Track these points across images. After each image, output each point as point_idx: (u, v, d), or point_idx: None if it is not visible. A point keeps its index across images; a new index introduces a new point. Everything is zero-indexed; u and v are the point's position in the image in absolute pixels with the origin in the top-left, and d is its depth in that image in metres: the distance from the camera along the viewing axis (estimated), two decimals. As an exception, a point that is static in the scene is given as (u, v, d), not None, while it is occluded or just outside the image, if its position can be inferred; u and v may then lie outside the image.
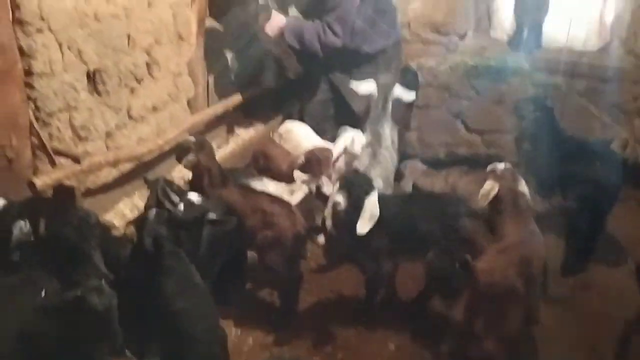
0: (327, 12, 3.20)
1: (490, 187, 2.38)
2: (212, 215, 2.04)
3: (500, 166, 2.46)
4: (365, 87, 3.19)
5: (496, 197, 2.37)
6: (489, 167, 2.50)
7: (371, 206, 2.30)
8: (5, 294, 1.78)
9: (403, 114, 3.42)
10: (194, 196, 2.09)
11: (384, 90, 3.23)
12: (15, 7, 2.04)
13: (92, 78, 2.48)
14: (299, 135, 3.10)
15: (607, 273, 3.01)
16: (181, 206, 2.05)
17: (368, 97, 3.23)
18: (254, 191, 2.54)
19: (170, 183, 2.43)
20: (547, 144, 3.07)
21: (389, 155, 3.26)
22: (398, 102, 3.17)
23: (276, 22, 3.22)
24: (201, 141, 2.58)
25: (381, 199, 2.41)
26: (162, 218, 2.01)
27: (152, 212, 2.05)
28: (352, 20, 3.23)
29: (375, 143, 3.19)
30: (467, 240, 2.32)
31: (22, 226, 1.92)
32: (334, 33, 3.20)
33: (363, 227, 2.28)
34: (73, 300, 1.69)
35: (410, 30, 4.23)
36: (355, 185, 2.35)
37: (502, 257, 2.15)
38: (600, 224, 2.91)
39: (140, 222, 2.08)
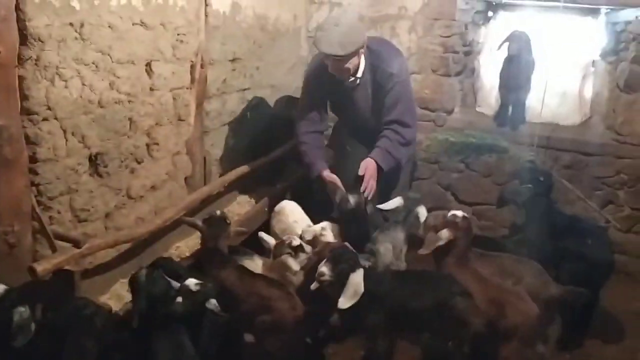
0: (389, 109, 3.16)
1: (446, 236, 2.51)
2: (211, 304, 2.04)
3: (459, 214, 2.57)
4: (394, 202, 3.06)
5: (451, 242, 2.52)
6: (449, 214, 2.60)
7: (355, 282, 2.32)
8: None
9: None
10: (192, 283, 2.09)
11: (411, 205, 3.06)
12: (23, 97, 2.13)
13: (94, 161, 2.54)
14: (290, 216, 3.18)
15: (604, 348, 3.02)
16: (179, 298, 2.05)
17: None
18: (251, 274, 2.56)
19: (169, 262, 2.46)
20: (540, 220, 3.16)
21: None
22: (416, 218, 2.99)
23: (370, 170, 3.09)
24: (212, 220, 2.62)
25: (374, 275, 2.45)
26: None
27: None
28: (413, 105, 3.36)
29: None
30: (459, 319, 2.33)
31: (22, 312, 1.93)
32: (407, 125, 3.18)
33: (344, 302, 2.29)
34: None
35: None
36: (342, 259, 2.38)
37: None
38: (594, 299, 2.94)
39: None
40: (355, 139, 3.45)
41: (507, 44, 4.05)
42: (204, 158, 3.39)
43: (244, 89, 3.81)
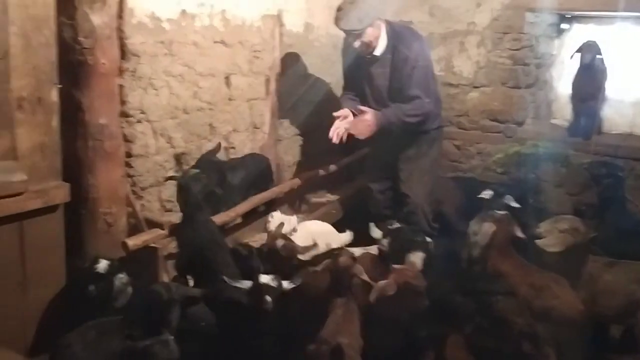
0: (405, 89, 3.22)
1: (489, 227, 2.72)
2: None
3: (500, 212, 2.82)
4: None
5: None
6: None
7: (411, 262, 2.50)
8: (99, 332, 2.15)
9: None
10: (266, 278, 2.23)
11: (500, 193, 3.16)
12: (122, 102, 2.58)
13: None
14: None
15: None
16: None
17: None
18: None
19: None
20: (615, 215, 3.15)
21: None
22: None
23: (364, 123, 3.18)
24: None
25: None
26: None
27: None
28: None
29: None
30: (500, 318, 2.39)
31: (121, 278, 2.33)
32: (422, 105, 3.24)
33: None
34: (142, 349, 2.04)
35: (469, 118, 4.53)
36: (401, 237, 2.62)
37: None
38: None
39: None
40: None
41: (579, 54, 4.06)
42: (277, 164, 3.73)
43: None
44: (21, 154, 2.20)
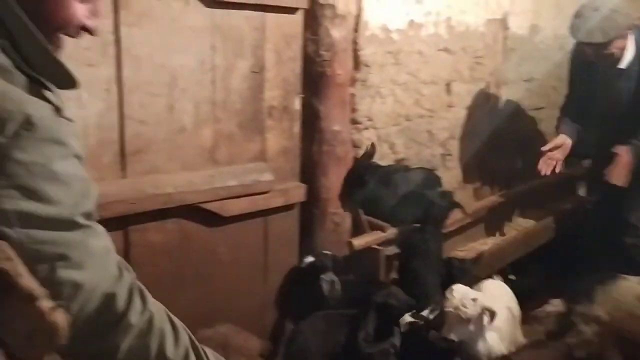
0: None
1: None
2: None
3: None
4: None
5: None
6: None
7: None
8: (327, 323, 2.32)
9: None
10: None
11: None
12: (353, 110, 2.73)
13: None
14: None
15: None
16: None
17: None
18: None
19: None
20: None
21: None
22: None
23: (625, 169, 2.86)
24: None
25: None
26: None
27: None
28: None
29: None
30: None
31: (328, 275, 2.51)
32: None
33: None
34: (364, 354, 2.17)
35: None
36: None
37: None
38: None
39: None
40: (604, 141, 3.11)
41: None
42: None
43: (538, 108, 3.90)
44: (269, 156, 2.48)
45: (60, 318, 0.60)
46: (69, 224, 0.90)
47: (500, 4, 3.30)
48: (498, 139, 3.49)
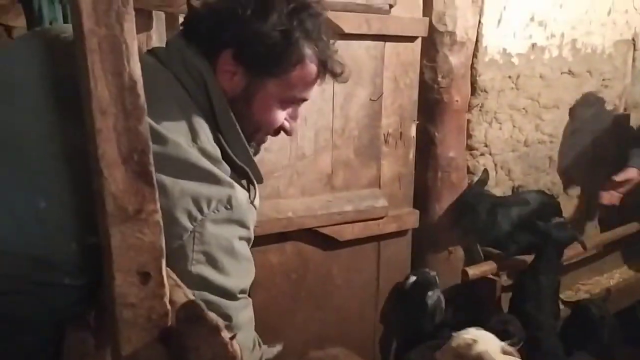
0: None
1: None
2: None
3: None
4: None
5: None
6: None
7: None
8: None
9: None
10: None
11: None
12: (469, 136, 2.69)
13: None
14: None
15: None
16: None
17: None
18: None
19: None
20: None
21: None
22: None
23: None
24: None
25: None
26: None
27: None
28: None
29: None
30: None
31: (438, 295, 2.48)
32: None
33: None
34: None
35: None
36: None
37: None
38: None
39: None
40: None
41: None
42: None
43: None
44: (383, 182, 2.50)
45: (238, 349, 0.68)
46: (231, 296, 1.03)
47: (629, 25, 3.10)
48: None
